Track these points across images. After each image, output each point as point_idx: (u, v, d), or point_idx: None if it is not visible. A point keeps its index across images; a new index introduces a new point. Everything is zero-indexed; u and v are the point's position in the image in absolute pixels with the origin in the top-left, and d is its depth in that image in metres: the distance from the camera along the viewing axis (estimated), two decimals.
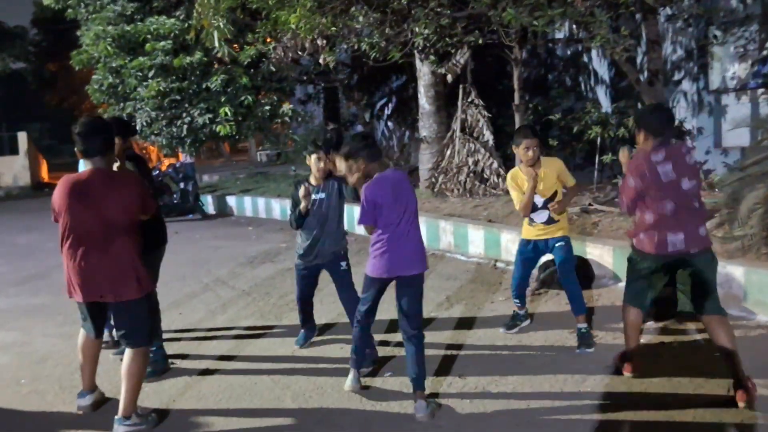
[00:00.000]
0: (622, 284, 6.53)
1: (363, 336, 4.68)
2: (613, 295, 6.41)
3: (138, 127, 12.75)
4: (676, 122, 11.07)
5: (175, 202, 14.86)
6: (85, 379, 4.52)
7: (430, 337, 5.61)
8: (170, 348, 5.59)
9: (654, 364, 4.75)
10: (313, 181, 5.33)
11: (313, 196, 5.24)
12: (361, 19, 8.81)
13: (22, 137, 25.41)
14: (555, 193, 5.26)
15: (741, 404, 3.96)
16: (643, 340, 5.06)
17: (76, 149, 4.17)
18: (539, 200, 5.25)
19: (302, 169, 14.61)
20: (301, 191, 5.12)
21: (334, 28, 8.59)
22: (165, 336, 5.55)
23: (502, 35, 7.46)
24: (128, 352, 4.16)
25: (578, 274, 5.45)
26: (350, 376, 4.65)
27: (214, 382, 5.00)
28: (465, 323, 6.00)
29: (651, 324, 5.49)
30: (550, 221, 5.28)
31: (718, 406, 4.06)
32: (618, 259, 6.75)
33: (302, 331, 5.62)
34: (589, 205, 8.79)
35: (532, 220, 5.33)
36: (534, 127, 5.68)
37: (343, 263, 5.32)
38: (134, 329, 4.17)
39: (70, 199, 4.03)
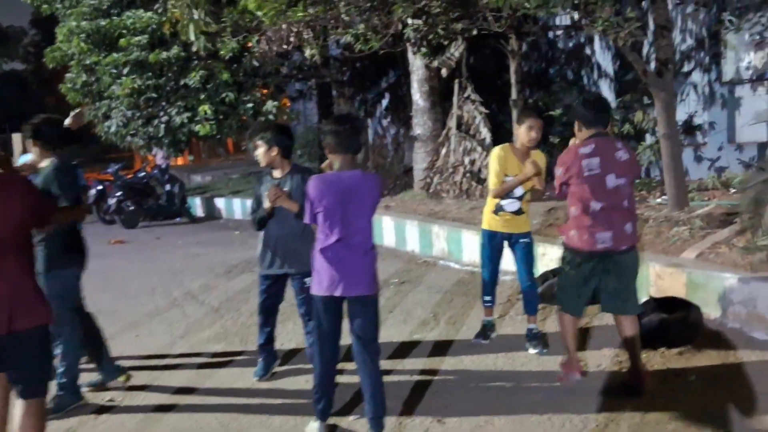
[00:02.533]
0: None
1: (327, 375, 3.95)
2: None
3: (113, 128, 12.09)
4: (686, 116, 10.41)
5: (161, 204, 14.29)
6: None
7: (410, 363, 4.96)
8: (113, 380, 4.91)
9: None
10: (275, 173, 4.67)
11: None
12: (342, 7, 8.10)
13: (16, 138, 24.74)
14: (530, 190, 5.01)
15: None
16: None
17: None
18: (519, 190, 4.94)
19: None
20: (270, 191, 4.44)
21: (301, 14, 7.88)
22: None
23: (491, 22, 6.74)
24: (21, 406, 3.27)
25: None
26: (312, 427, 3.96)
27: (151, 425, 4.29)
28: (451, 346, 5.29)
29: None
30: (519, 212, 5.00)
31: None
32: None
33: (261, 360, 4.91)
34: None
35: (500, 209, 5.00)
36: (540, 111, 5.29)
37: (308, 279, 4.40)
38: (30, 370, 3.28)
39: None
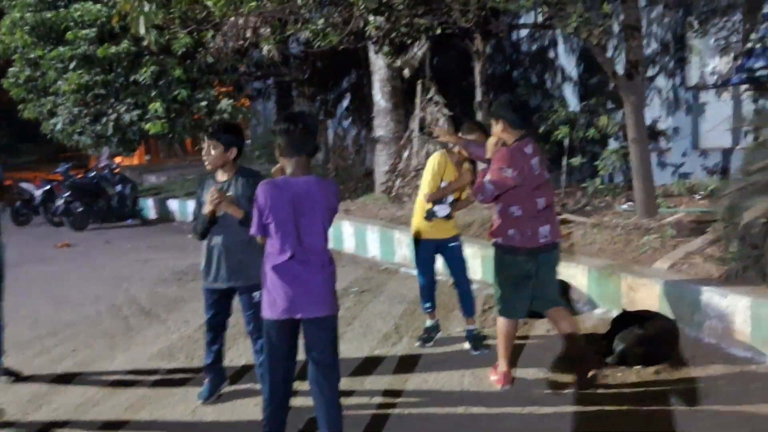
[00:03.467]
0: (600, 311, 5.64)
1: (278, 399, 3.55)
2: (590, 324, 5.43)
3: (59, 126, 11.46)
4: (650, 121, 10.27)
5: (112, 206, 13.72)
6: None
7: (371, 382, 4.61)
8: (40, 402, 4.45)
9: None
10: (220, 176, 4.23)
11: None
12: (300, 1, 7.71)
13: None
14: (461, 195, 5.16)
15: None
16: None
17: None
18: (451, 196, 5.06)
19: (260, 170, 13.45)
20: (211, 193, 3.98)
21: (254, 4, 7.46)
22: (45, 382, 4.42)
23: (458, 17, 6.41)
24: None
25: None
26: None
27: None
28: (414, 363, 4.95)
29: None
30: (449, 217, 5.09)
31: None
32: (595, 282, 5.77)
33: (207, 380, 4.49)
34: (558, 214, 7.81)
35: (433, 214, 5.04)
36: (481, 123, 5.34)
37: (257, 294, 4.05)
38: None
39: None
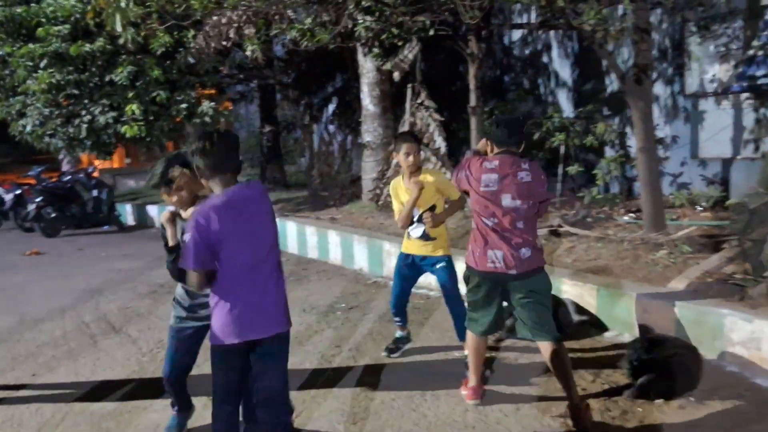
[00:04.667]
0: (610, 334, 5.22)
1: None
2: (601, 349, 5.00)
3: (29, 127, 10.86)
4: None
5: (87, 211, 13.18)
6: None
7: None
8: None
9: None
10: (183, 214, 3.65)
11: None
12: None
13: None
14: (434, 207, 4.82)
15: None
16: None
17: None
18: (415, 212, 4.84)
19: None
20: (164, 215, 3.52)
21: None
22: None
23: (462, 13, 5.95)
24: None
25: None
26: None
27: None
28: (413, 394, 4.48)
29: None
30: (426, 237, 4.86)
31: None
32: (604, 302, 5.34)
33: (174, 413, 4.03)
34: (559, 226, 7.40)
35: (408, 236, 4.95)
36: (414, 132, 5.33)
37: None
38: None
39: None
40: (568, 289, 5.59)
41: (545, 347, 3.92)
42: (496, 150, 4.00)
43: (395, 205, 4.97)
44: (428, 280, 6.83)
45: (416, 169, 4.84)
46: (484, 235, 3.96)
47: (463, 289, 4.50)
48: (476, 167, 3.98)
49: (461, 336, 4.80)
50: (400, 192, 4.92)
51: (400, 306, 5.13)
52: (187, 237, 2.97)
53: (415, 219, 4.84)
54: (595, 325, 5.32)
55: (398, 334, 5.26)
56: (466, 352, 4.73)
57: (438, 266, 4.90)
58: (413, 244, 4.93)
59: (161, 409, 4.30)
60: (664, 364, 4.06)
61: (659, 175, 6.74)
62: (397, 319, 5.18)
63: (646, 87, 6.23)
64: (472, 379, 4.24)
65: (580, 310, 5.41)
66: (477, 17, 6.11)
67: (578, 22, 4.93)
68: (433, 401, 4.28)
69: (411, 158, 4.77)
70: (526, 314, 3.96)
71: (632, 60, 6.79)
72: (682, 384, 4.09)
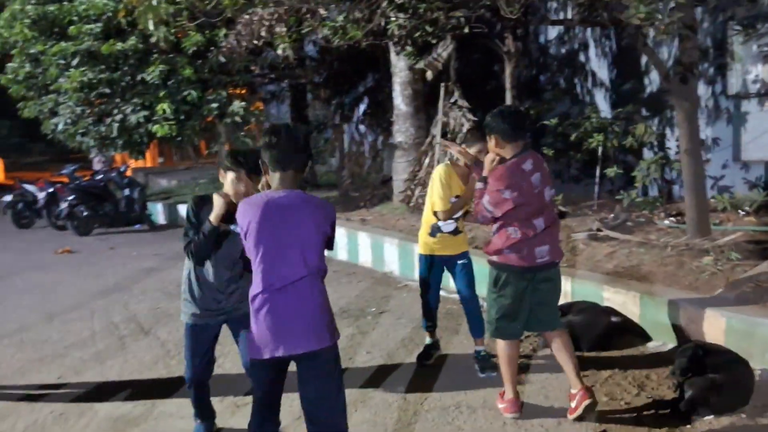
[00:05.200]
0: (654, 344, 4.99)
1: None
2: (644, 360, 4.77)
3: (61, 126, 10.87)
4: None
5: (120, 210, 13.19)
6: None
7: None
8: None
9: None
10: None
11: (232, 227, 3.58)
12: None
13: None
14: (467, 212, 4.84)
15: (579, 411, 3.80)
16: None
17: None
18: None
19: None
20: (221, 194, 3.58)
21: None
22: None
23: (501, 5, 5.73)
24: None
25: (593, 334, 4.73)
26: None
27: None
28: (447, 405, 4.31)
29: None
30: (456, 232, 4.82)
31: None
32: (648, 309, 5.11)
33: (198, 424, 3.94)
34: (598, 230, 7.15)
35: (438, 230, 4.79)
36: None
37: None
38: None
39: None
40: (610, 296, 5.37)
41: (559, 335, 3.97)
42: (509, 147, 3.85)
43: (442, 193, 4.68)
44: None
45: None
46: (532, 235, 3.86)
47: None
48: (520, 175, 3.82)
49: (476, 333, 4.84)
50: (454, 182, 4.70)
51: (431, 311, 5.03)
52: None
53: (455, 216, 4.75)
54: (637, 334, 5.09)
55: (428, 340, 5.13)
56: (478, 347, 4.84)
57: (460, 262, 4.85)
58: (437, 243, 4.83)
59: (188, 416, 4.18)
60: (714, 378, 3.84)
61: (704, 179, 6.46)
62: (428, 324, 5.07)
63: (691, 86, 5.99)
64: (508, 390, 4.08)
65: (621, 317, 5.19)
66: (518, 12, 5.89)
67: (627, 16, 4.70)
68: (470, 414, 4.11)
69: (482, 156, 4.37)
70: (551, 302, 4.00)
71: (671, 60, 6.56)
72: (734, 399, 3.86)
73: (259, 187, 3.16)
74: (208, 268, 3.69)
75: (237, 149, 4.03)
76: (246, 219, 2.89)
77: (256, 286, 2.91)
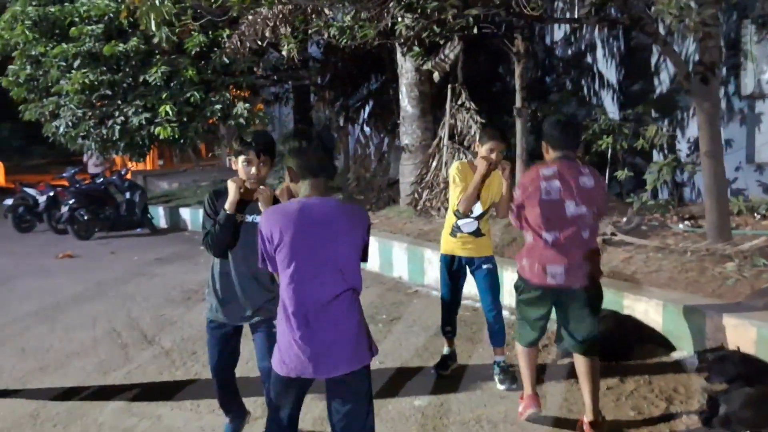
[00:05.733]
0: (678, 354, 4.81)
1: None
2: (670, 371, 4.59)
3: (62, 128, 10.68)
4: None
5: (120, 214, 13.01)
6: None
7: None
8: None
9: None
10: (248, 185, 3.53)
11: (248, 218, 3.50)
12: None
13: None
14: (489, 208, 4.67)
15: None
16: None
17: None
18: (477, 209, 4.59)
19: (274, 177, 12.68)
20: (235, 180, 3.48)
21: None
22: None
23: (523, 3, 5.53)
24: None
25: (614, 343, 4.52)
26: None
27: None
28: (468, 418, 4.13)
29: None
30: (477, 233, 4.66)
31: None
32: (671, 318, 4.92)
33: (227, 422, 3.84)
34: (612, 234, 6.97)
35: (458, 229, 4.67)
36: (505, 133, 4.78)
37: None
38: None
39: None
40: (630, 304, 5.18)
41: (584, 361, 3.79)
42: (552, 153, 3.79)
43: (458, 188, 4.56)
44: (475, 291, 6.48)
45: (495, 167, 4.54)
46: (542, 250, 3.73)
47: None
48: (531, 176, 3.77)
49: (497, 342, 4.70)
50: (469, 178, 4.51)
51: (450, 314, 4.87)
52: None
53: (474, 215, 4.59)
54: (660, 344, 4.91)
55: (446, 350, 4.95)
56: (498, 357, 4.69)
57: (485, 266, 4.69)
58: (458, 243, 4.69)
59: (195, 429, 4.00)
60: (753, 394, 3.66)
61: (726, 183, 6.29)
62: (447, 329, 4.89)
63: (712, 87, 5.81)
64: (527, 387, 4.03)
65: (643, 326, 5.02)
66: (540, 9, 5.71)
67: (657, 11, 4.51)
68: (491, 429, 3.94)
69: (494, 155, 4.43)
70: (581, 327, 3.78)
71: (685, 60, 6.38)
72: None
73: (278, 192, 3.00)
74: (230, 262, 3.55)
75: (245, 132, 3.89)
76: (276, 228, 2.71)
77: (287, 303, 2.76)
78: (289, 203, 2.81)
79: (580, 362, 3.80)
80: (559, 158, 3.76)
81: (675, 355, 4.80)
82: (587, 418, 3.77)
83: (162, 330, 6.21)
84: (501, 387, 4.56)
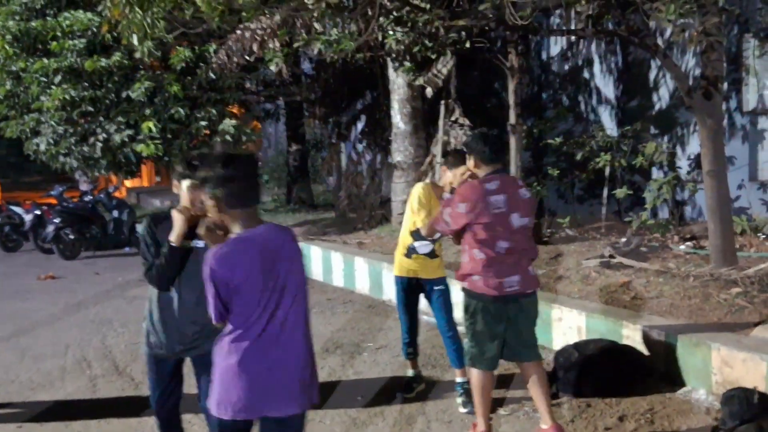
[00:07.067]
0: (684, 389, 4.47)
1: None
2: (674, 408, 4.25)
3: (43, 146, 10.38)
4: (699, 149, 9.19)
5: (108, 233, 12.71)
6: None
7: None
8: None
9: None
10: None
11: (194, 243, 3.16)
12: (312, 12, 6.69)
13: None
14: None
15: None
16: None
17: None
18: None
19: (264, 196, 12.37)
20: (179, 209, 3.15)
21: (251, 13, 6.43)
22: None
23: (511, 12, 5.24)
24: None
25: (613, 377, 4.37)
26: None
27: None
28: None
29: None
30: (432, 254, 4.66)
31: None
32: (675, 349, 4.58)
33: None
34: (610, 256, 6.65)
35: (413, 251, 4.64)
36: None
37: None
38: None
39: None
40: (630, 334, 4.85)
41: (534, 367, 3.87)
42: (485, 168, 3.83)
43: (421, 211, 4.52)
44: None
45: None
46: (498, 262, 3.78)
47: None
48: (478, 193, 3.76)
49: (457, 363, 4.64)
50: (433, 201, 4.53)
51: (411, 336, 4.86)
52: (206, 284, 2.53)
53: (431, 237, 4.50)
54: (663, 378, 4.57)
55: (410, 372, 4.95)
56: (460, 379, 4.61)
57: (437, 288, 4.70)
58: (411, 264, 4.68)
59: None
60: None
61: (730, 203, 6.00)
62: (410, 350, 4.89)
63: (715, 102, 5.52)
64: (480, 422, 3.97)
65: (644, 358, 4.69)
66: (530, 17, 5.42)
67: (657, 18, 4.22)
68: None
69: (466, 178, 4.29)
70: (525, 333, 3.89)
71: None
72: None
73: (202, 232, 2.70)
74: (173, 293, 3.27)
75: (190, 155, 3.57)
76: (238, 270, 2.47)
77: (231, 333, 2.52)
78: (237, 239, 2.54)
79: (532, 368, 3.86)
80: (496, 172, 3.84)
81: (680, 392, 4.46)
82: (545, 425, 3.78)
83: (135, 360, 5.85)
84: (463, 411, 4.48)
